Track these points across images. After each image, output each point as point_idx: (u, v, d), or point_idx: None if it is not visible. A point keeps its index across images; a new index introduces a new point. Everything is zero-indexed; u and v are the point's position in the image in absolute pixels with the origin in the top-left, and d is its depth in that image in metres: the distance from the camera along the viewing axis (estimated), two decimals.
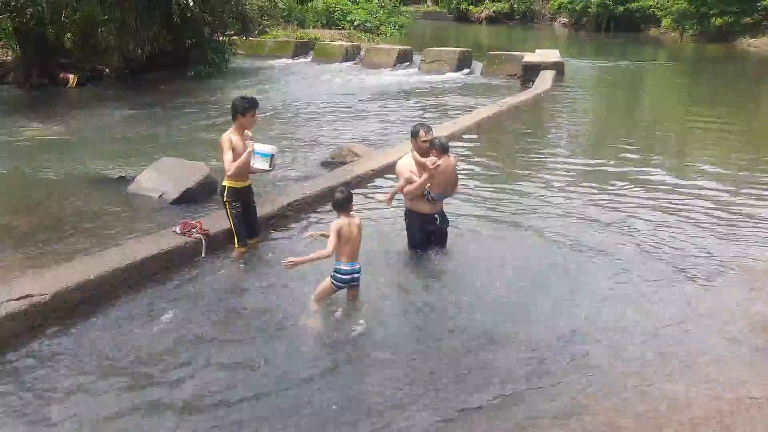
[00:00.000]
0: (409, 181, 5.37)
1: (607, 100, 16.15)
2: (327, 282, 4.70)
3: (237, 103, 5.45)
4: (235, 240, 5.55)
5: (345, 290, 4.78)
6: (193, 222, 5.75)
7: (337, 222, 4.62)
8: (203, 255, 5.53)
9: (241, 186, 5.54)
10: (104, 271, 4.83)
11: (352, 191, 4.96)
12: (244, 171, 5.49)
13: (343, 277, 4.63)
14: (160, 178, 7.47)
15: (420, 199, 5.47)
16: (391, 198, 5.67)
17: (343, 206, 4.67)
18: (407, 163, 5.48)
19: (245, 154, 5.33)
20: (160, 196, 7.22)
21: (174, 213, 6.77)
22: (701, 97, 16.81)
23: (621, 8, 40.89)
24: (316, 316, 4.66)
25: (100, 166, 8.78)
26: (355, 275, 4.68)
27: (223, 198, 5.53)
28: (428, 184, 5.37)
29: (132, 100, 14.60)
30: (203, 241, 5.58)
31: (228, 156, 5.35)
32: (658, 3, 36.36)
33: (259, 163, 5.43)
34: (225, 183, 5.50)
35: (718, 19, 31.57)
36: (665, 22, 36.78)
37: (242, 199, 5.57)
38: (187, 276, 5.25)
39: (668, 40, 36.09)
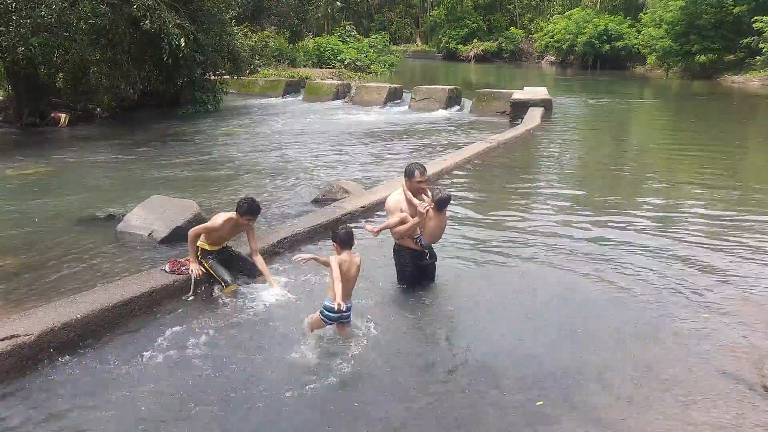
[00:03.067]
0: (402, 222, 5.35)
1: (594, 137, 16.33)
2: (317, 315, 4.72)
3: (239, 202, 5.55)
4: (222, 285, 5.56)
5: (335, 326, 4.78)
6: (182, 260, 5.70)
7: (338, 257, 4.66)
8: (191, 293, 5.48)
9: (213, 249, 5.71)
10: (91, 310, 4.76)
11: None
12: (221, 240, 5.74)
13: (331, 314, 4.61)
14: (150, 216, 7.43)
15: (410, 238, 5.46)
16: (380, 231, 5.64)
17: (347, 242, 4.72)
18: (398, 200, 5.45)
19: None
20: (150, 234, 7.17)
21: (163, 251, 6.73)
22: (687, 132, 17.05)
23: (607, 46, 41.79)
24: (310, 342, 4.71)
25: (89, 205, 8.75)
26: (344, 314, 4.64)
27: (197, 257, 5.66)
28: (419, 230, 5.38)
29: (122, 138, 14.67)
30: (192, 279, 5.53)
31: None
32: (642, 41, 37.13)
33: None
34: (199, 244, 5.66)
35: (702, 57, 32.26)
36: (650, 59, 37.55)
37: (217, 256, 5.73)
38: (175, 315, 5.18)
39: (654, 77, 36.78)
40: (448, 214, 5.72)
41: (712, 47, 32.06)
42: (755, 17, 25.85)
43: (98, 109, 17.63)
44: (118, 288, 5.18)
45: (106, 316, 4.83)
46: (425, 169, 5.45)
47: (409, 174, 5.38)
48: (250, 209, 5.53)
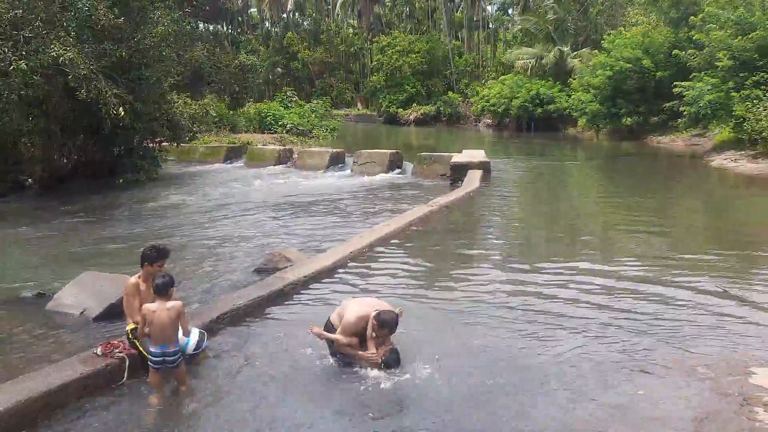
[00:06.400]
0: (347, 344, 5.35)
1: (532, 197, 16.81)
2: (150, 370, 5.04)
3: (146, 252, 5.45)
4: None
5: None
6: (116, 342, 5.44)
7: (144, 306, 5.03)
8: (125, 377, 5.20)
9: None
10: (16, 401, 4.46)
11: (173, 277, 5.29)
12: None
13: (154, 358, 4.93)
14: (82, 293, 7.12)
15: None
16: (322, 338, 5.59)
17: (162, 290, 5.05)
18: (357, 322, 5.38)
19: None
20: (82, 312, 6.86)
21: (96, 331, 6.44)
22: (619, 191, 17.75)
23: (539, 110, 43.58)
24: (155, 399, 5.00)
25: (16, 283, 8.33)
26: (168, 357, 4.93)
27: (129, 338, 5.39)
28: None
29: (55, 211, 14.14)
30: (126, 362, 5.26)
31: (135, 304, 5.34)
32: (573, 105, 38.88)
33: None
34: (128, 327, 5.40)
35: (628, 119, 34.06)
36: (581, 122, 39.27)
37: None
38: (107, 403, 4.91)
39: (585, 138, 38.41)
40: None
41: (637, 110, 33.92)
42: (675, 83, 27.53)
43: (30, 181, 17.04)
44: (47, 375, 4.88)
45: (31, 408, 4.52)
46: (395, 329, 5.38)
47: (380, 325, 5.28)
48: (162, 253, 5.45)
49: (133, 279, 5.46)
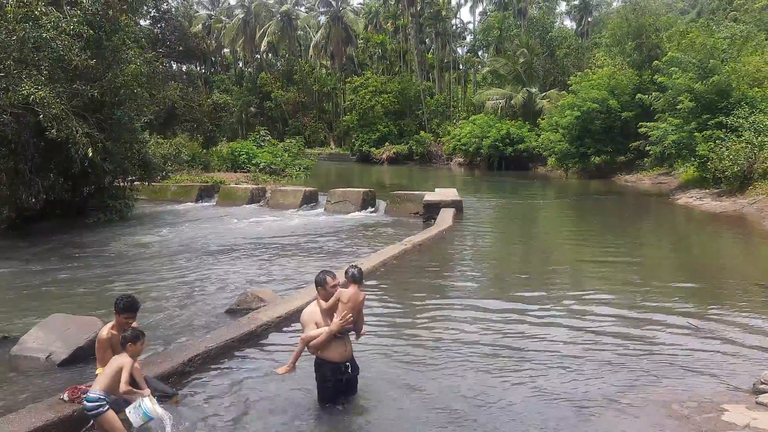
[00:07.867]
0: (315, 335, 5.24)
1: (504, 236, 16.95)
2: None
3: (116, 302, 5.35)
4: None
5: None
6: (83, 387, 5.27)
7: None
8: (90, 424, 5.05)
9: None
10: None
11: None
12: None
13: (87, 404, 4.71)
14: (49, 337, 6.92)
15: (329, 345, 5.31)
16: (292, 365, 5.51)
17: (121, 343, 4.99)
18: (312, 312, 5.39)
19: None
20: (48, 357, 6.66)
21: (63, 376, 6.26)
22: (589, 228, 18.02)
23: (510, 149, 44.41)
24: None
25: None
26: (87, 405, 4.69)
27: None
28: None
29: (22, 251, 13.85)
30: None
31: (106, 356, 5.22)
32: (542, 144, 39.72)
33: (133, 415, 4.76)
34: (99, 371, 5.25)
35: (596, 158, 34.89)
36: (550, 160, 40.11)
37: None
38: None
39: (555, 176, 39.12)
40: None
41: (604, 150, 34.79)
42: (640, 123, 28.39)
43: None
44: (8, 423, 4.72)
45: None
46: (335, 275, 5.43)
47: (320, 283, 5.36)
48: (127, 306, 5.28)
49: (105, 332, 5.30)
